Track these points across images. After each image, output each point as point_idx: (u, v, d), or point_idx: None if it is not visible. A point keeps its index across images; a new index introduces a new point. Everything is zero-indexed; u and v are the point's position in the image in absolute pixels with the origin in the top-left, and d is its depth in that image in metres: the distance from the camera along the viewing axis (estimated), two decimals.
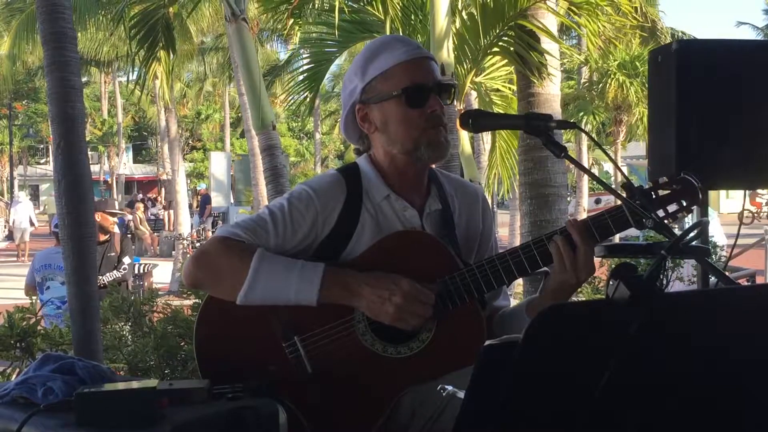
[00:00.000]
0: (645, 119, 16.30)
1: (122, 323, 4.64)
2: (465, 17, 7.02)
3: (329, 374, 2.16)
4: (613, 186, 2.23)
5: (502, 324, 2.35)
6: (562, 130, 5.17)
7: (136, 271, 13.31)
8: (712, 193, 2.27)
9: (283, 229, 2.19)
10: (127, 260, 7.59)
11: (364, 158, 2.34)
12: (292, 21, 7.38)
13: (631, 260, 2.62)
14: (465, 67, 6.83)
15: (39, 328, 4.49)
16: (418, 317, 2.09)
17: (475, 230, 2.40)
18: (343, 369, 2.15)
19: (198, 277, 2.19)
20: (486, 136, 10.99)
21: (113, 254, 7.49)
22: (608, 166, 39.45)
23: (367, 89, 2.25)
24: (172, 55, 8.47)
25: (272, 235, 2.18)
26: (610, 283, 1.34)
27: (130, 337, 4.52)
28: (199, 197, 32.22)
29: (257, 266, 2.11)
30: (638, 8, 12.89)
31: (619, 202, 2.07)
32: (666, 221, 2.02)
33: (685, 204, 2.09)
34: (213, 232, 9.22)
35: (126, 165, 48.29)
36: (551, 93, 6.04)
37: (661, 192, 2.10)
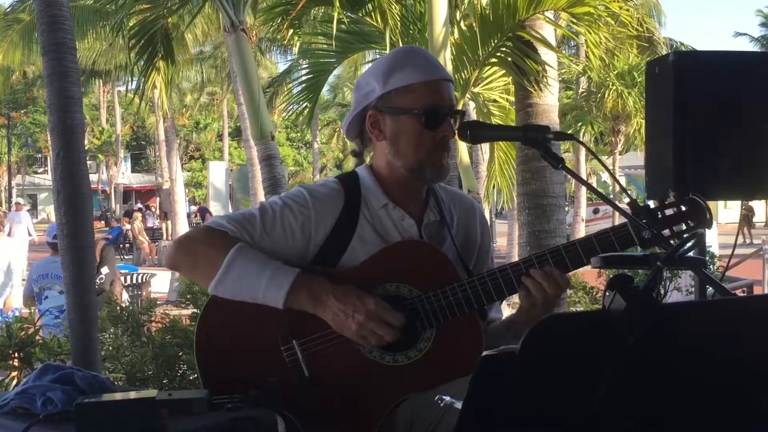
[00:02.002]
0: (643, 129, 16.32)
1: (120, 332, 4.64)
2: (464, 28, 7.03)
3: (326, 380, 2.16)
4: (611, 196, 2.24)
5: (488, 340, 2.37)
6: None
7: (135, 281, 13.30)
8: (710, 204, 2.28)
9: (271, 225, 2.20)
10: (105, 270, 7.55)
11: (364, 167, 2.35)
12: (291, 32, 7.38)
13: (628, 271, 2.63)
14: (463, 77, 6.83)
15: (37, 338, 4.50)
16: (377, 337, 2.10)
17: (472, 242, 2.41)
18: (340, 375, 2.16)
19: (176, 260, 2.26)
20: (485, 146, 10.98)
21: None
22: (606, 176, 39.47)
23: (386, 97, 2.24)
24: (170, 65, 8.49)
25: (258, 230, 2.19)
26: (607, 294, 1.35)
27: (128, 346, 4.52)
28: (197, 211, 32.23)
29: (232, 260, 2.13)
30: (638, 18, 12.91)
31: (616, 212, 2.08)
32: (671, 241, 2.03)
33: (692, 225, 2.10)
34: None
35: (124, 174, 48.37)
36: (549, 103, 6.04)
37: (667, 211, 2.11)
